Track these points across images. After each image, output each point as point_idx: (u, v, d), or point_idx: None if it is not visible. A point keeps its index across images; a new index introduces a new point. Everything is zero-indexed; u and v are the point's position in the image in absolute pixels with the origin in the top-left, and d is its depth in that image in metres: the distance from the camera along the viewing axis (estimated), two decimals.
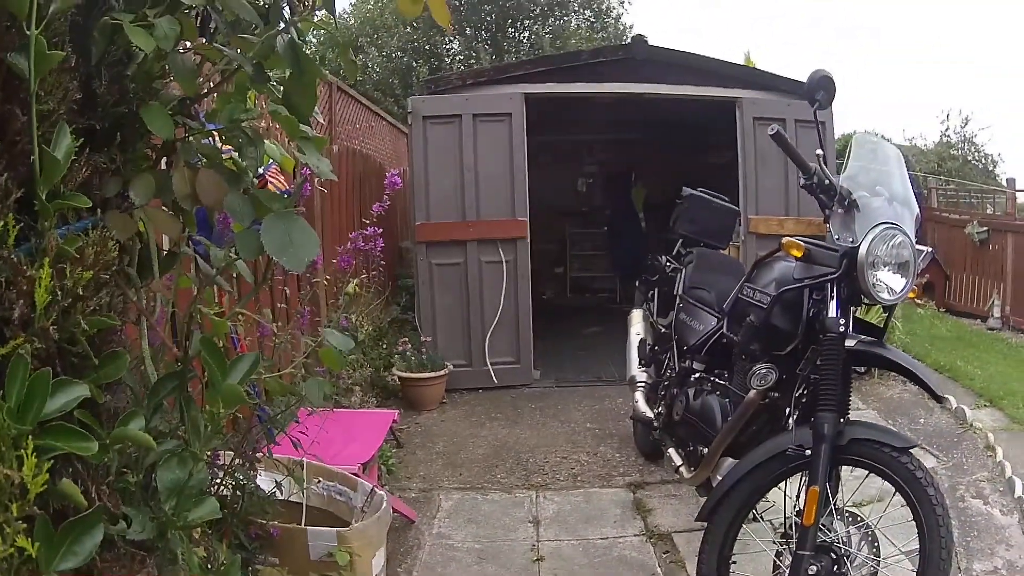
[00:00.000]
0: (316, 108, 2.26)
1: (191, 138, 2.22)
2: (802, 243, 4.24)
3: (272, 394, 2.96)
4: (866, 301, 4.08)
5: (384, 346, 8.84)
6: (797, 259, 4.26)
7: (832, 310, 3.98)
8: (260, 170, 3.81)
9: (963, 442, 7.50)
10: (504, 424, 8.00)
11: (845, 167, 4.25)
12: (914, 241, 3.99)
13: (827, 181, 4.08)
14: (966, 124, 23.78)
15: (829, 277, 4.07)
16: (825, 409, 3.86)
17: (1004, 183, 19.99)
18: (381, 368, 8.53)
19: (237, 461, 2.90)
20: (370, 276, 4.79)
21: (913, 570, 3.75)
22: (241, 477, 2.98)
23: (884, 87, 70.77)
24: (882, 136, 19.12)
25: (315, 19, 2.25)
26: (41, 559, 1.58)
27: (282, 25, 2.11)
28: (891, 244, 3.89)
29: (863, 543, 4.00)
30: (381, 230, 3.77)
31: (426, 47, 24.31)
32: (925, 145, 24.16)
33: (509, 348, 9.28)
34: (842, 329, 3.95)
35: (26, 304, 1.67)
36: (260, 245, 2.05)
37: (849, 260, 3.95)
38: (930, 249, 11.78)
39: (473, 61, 23.92)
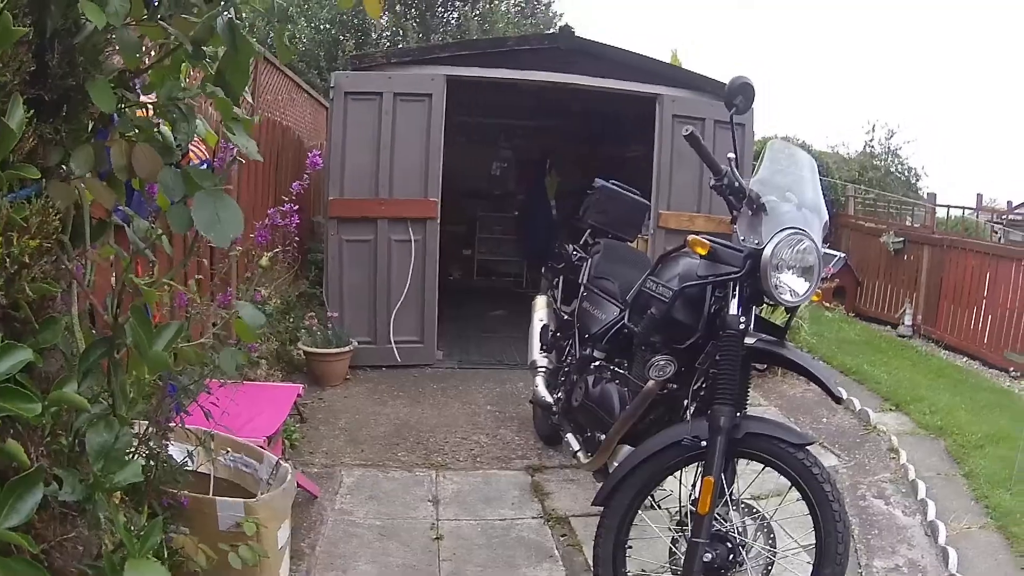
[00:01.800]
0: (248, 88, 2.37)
1: (127, 110, 2.31)
2: (707, 241, 4.36)
3: (187, 363, 3.04)
4: (768, 302, 4.23)
5: (291, 320, 8.88)
6: (702, 257, 4.39)
7: (733, 308, 4.14)
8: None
9: (866, 443, 7.78)
10: (406, 403, 8.09)
11: (757, 171, 4.40)
12: (820, 247, 4.14)
13: (737, 183, 4.24)
14: (891, 136, 24.09)
15: (732, 276, 4.21)
16: (722, 403, 4.02)
17: (925, 196, 20.39)
18: (288, 342, 8.56)
19: (151, 430, 3.00)
20: (284, 251, 4.86)
21: (811, 563, 3.92)
22: (155, 446, 3.07)
23: (814, 95, 71.85)
24: (803, 142, 19.46)
25: None
26: None
27: (223, 4, 2.20)
28: (796, 248, 4.03)
29: (759, 534, 4.19)
30: (298, 207, 3.86)
31: (354, 21, 24.09)
32: (848, 153, 24.47)
33: (414, 328, 9.35)
34: (742, 327, 4.12)
35: None
36: (190, 220, 2.16)
37: (753, 261, 4.10)
38: (843, 255, 11.94)
39: (400, 39, 23.86)
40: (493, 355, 9.88)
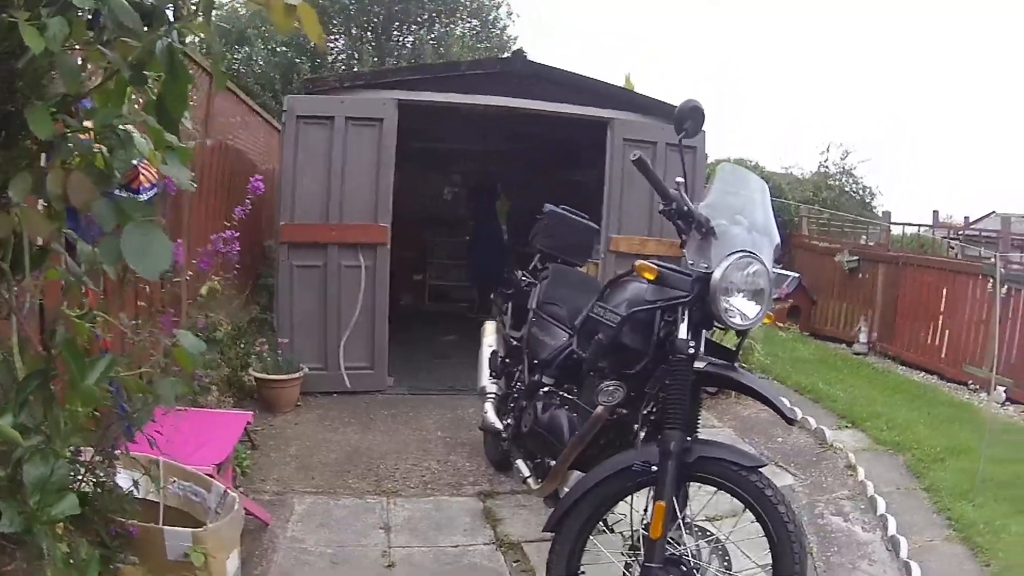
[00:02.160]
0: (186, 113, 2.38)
1: (68, 135, 2.30)
2: (655, 266, 4.39)
3: (130, 392, 3.05)
4: (718, 326, 4.23)
5: (242, 346, 8.81)
6: (650, 282, 4.41)
7: (683, 332, 4.13)
8: (134, 160, 3.90)
9: (823, 461, 7.84)
10: (357, 429, 8.09)
11: (707, 195, 4.43)
12: (771, 270, 4.17)
13: (686, 207, 4.23)
14: (846, 157, 24.40)
15: (681, 300, 4.22)
16: (672, 427, 4.02)
17: (880, 215, 20.69)
18: (239, 368, 8.51)
19: (97, 458, 2.99)
20: (227, 278, 4.87)
21: None
22: (101, 474, 3.07)
23: (769, 117, 72.59)
24: (756, 164, 19.65)
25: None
26: None
27: (163, 30, 2.21)
28: (746, 272, 4.06)
29: (713, 557, 4.22)
30: (238, 234, 3.87)
31: (310, 44, 24.06)
32: (802, 174, 24.70)
33: (364, 354, 9.34)
34: (691, 351, 4.11)
35: None
36: (120, 252, 2.15)
37: (702, 285, 4.11)
38: (796, 275, 12.05)
39: (356, 62, 23.90)
40: (444, 381, 9.86)
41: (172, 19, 2.25)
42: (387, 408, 8.90)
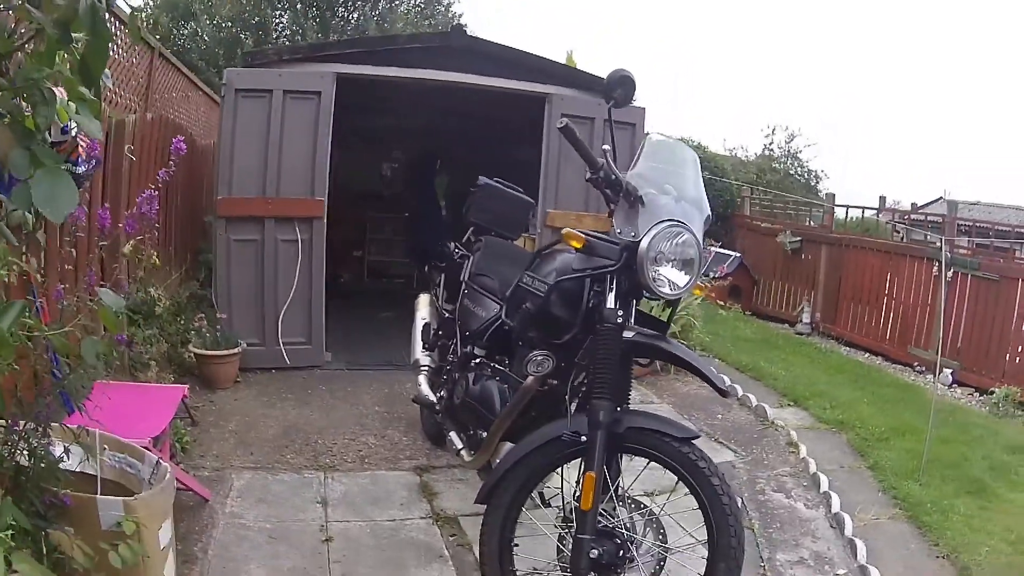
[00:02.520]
0: (108, 71, 2.42)
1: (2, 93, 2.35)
2: (582, 235, 4.41)
3: (60, 352, 3.08)
4: (647, 295, 4.25)
5: (182, 321, 8.81)
6: (578, 250, 4.44)
7: (610, 301, 4.16)
8: (73, 132, 3.96)
9: (764, 438, 7.99)
10: (295, 405, 8.13)
11: (635, 164, 4.44)
12: (701, 240, 4.19)
13: (613, 176, 4.27)
14: (791, 140, 24.61)
15: (608, 269, 4.23)
16: (600, 397, 4.07)
17: (824, 198, 20.91)
18: (179, 344, 8.52)
19: (31, 426, 3.03)
20: (148, 240, 4.87)
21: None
22: (35, 443, 3.11)
23: (717, 100, 73.04)
24: (698, 143, 19.79)
25: None
26: None
27: None
28: (674, 241, 4.08)
29: (648, 529, 4.24)
30: (157, 194, 3.90)
31: (254, 20, 24.10)
32: (746, 156, 24.86)
33: (302, 329, 9.38)
34: (619, 320, 4.14)
35: None
36: (30, 197, 2.22)
37: (629, 254, 4.13)
38: (738, 255, 12.33)
39: (299, 37, 23.84)
40: (382, 356, 9.91)
41: None
42: (325, 383, 8.95)
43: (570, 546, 4.09)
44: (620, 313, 4.16)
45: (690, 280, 4.18)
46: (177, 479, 5.05)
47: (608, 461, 4.10)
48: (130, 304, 6.92)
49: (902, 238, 16.70)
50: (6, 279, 2.89)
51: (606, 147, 4.30)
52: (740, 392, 9.37)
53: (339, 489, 6.25)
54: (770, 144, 24.48)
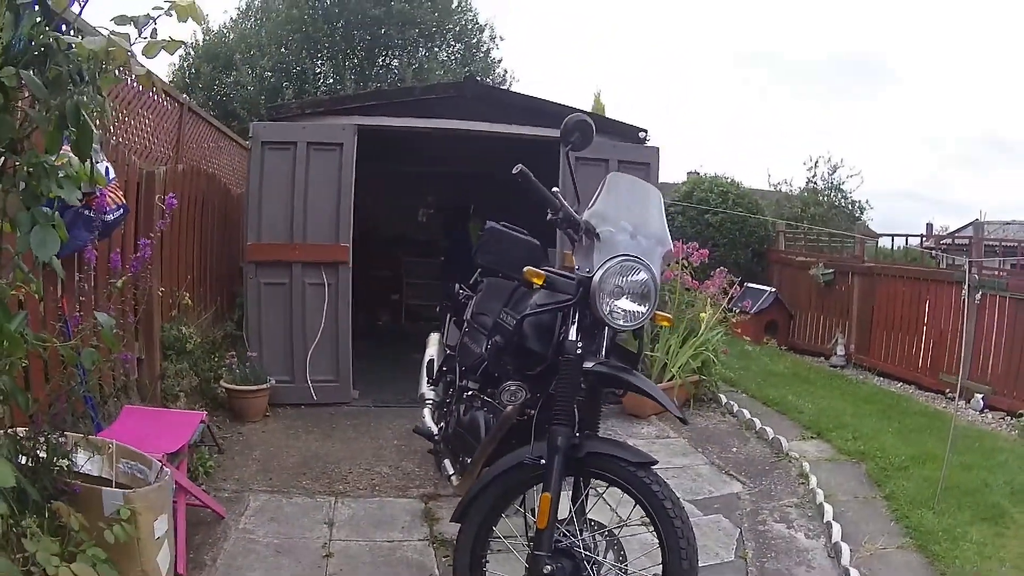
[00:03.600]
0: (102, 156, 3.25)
1: (17, 167, 3.16)
2: (542, 272, 4.67)
3: (70, 363, 3.99)
4: (612, 325, 4.48)
5: (215, 359, 9.49)
6: (540, 287, 4.72)
7: (572, 334, 4.46)
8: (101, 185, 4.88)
9: (775, 471, 8.19)
10: (318, 437, 8.73)
11: (593, 203, 4.71)
12: (657, 273, 4.49)
13: (572, 217, 4.59)
14: (834, 171, 24.51)
15: (566, 304, 4.59)
16: (559, 423, 4.34)
17: (865, 228, 20.99)
18: (212, 380, 9.18)
19: (46, 427, 3.92)
20: (135, 280, 5.68)
21: None
22: (52, 439, 4.00)
23: (760, 135, 72.92)
24: (732, 180, 20.02)
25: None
26: None
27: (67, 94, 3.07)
28: (628, 276, 4.40)
29: (609, 550, 4.54)
30: (150, 241, 4.74)
31: (295, 69, 24.97)
32: (790, 190, 24.86)
33: (329, 367, 10.02)
34: (579, 351, 4.43)
35: None
36: (28, 242, 3.03)
37: (585, 288, 4.45)
38: (772, 290, 12.65)
39: (339, 86, 24.60)
40: (408, 394, 10.04)
41: (83, 79, 3.09)
42: (350, 419, 9.54)
43: None
44: (580, 345, 4.45)
45: (645, 312, 4.46)
46: (195, 496, 5.88)
47: (576, 485, 4.50)
48: (162, 340, 7.76)
49: (937, 264, 16.68)
50: (21, 299, 3.75)
51: (556, 188, 4.62)
52: (759, 425, 9.57)
53: (346, 512, 6.73)
54: (813, 176, 24.46)
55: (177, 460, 5.82)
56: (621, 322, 4.46)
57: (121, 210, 5.89)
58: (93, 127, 3.12)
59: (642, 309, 4.47)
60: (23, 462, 3.83)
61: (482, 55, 28.75)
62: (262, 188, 9.66)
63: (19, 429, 3.99)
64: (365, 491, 7.31)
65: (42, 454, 3.98)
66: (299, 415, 9.58)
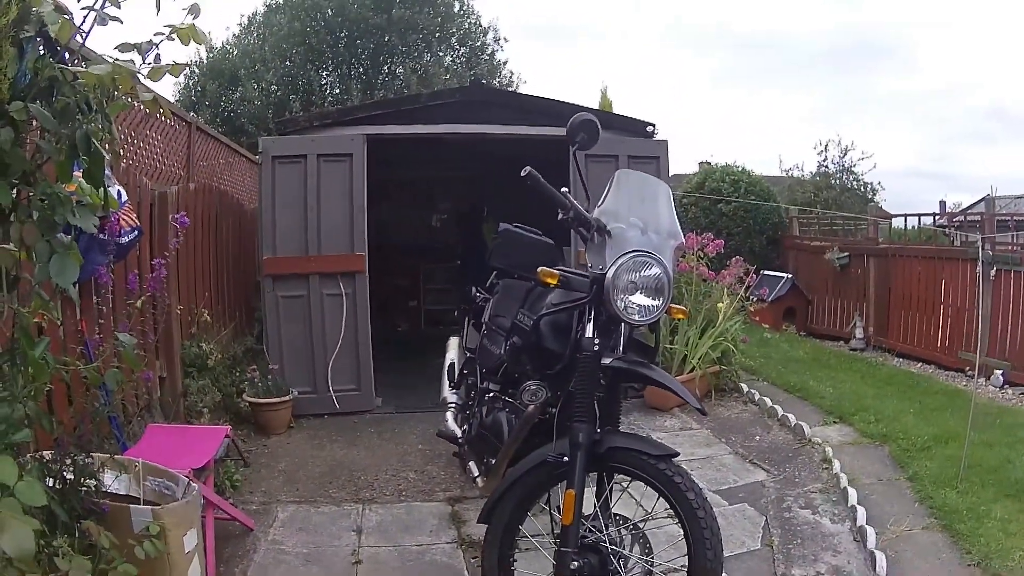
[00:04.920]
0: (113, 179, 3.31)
1: (31, 197, 3.22)
2: (556, 271, 4.74)
3: (93, 384, 4.07)
4: (625, 320, 4.49)
5: (237, 373, 9.59)
6: (554, 286, 4.80)
7: (588, 331, 4.47)
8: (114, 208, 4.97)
9: (799, 457, 8.21)
10: (343, 446, 8.81)
11: (603, 201, 4.75)
12: (671, 267, 4.52)
13: (583, 215, 4.63)
14: (845, 154, 24.30)
15: (581, 301, 4.62)
16: (579, 420, 4.35)
17: (878, 209, 20.85)
18: (234, 394, 9.25)
19: (73, 448, 4.00)
20: (152, 299, 5.77)
21: None
22: (79, 460, 4.08)
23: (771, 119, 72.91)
24: (742, 168, 19.98)
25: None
26: None
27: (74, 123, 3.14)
28: (640, 271, 4.40)
29: (635, 544, 4.53)
30: (165, 260, 4.82)
31: (301, 81, 25.06)
32: (802, 175, 24.73)
33: (351, 376, 10.11)
34: (596, 348, 4.45)
35: None
36: (48, 271, 3.10)
37: (598, 285, 4.46)
38: (789, 276, 12.61)
39: (345, 96, 24.77)
40: (430, 400, 10.06)
41: (91, 108, 3.16)
42: (373, 426, 9.62)
43: None
44: (597, 342, 4.46)
45: (659, 306, 4.47)
46: (224, 510, 5.94)
47: (599, 480, 4.51)
48: (182, 357, 7.84)
49: (952, 242, 16.46)
50: (46, 325, 3.83)
51: (565, 189, 4.66)
52: (780, 413, 9.58)
53: (374, 519, 6.79)
54: (824, 161, 24.34)
55: (204, 475, 5.88)
56: (636, 317, 4.47)
57: (135, 232, 5.96)
58: (104, 154, 3.18)
59: (656, 303, 4.48)
60: (51, 484, 3.88)
61: (487, 57, 28.85)
62: (275, 202, 9.76)
63: (45, 452, 4.06)
64: (392, 497, 7.36)
65: (69, 475, 4.05)
66: (323, 425, 9.64)
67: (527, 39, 66.05)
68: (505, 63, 29.46)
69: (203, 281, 9.42)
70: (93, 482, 4.16)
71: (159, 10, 3.26)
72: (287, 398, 9.26)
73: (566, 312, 4.86)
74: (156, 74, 3.31)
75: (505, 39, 29.79)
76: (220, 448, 6.40)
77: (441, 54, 27.13)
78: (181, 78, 24.81)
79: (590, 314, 4.56)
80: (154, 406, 7.13)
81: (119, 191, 5.58)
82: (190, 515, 4.61)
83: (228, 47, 27.23)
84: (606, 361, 4.50)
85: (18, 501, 2.67)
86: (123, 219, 5.62)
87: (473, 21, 28.94)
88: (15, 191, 3.07)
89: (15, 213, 3.12)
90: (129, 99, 3.33)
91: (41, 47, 3.11)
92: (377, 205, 10.22)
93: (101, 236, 4.96)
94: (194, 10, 3.33)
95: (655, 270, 4.45)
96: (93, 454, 4.32)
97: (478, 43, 28.81)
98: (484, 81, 11.93)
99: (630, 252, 4.45)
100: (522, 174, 4.63)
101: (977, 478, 7.21)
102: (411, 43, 26.27)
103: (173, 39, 3.28)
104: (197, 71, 25.27)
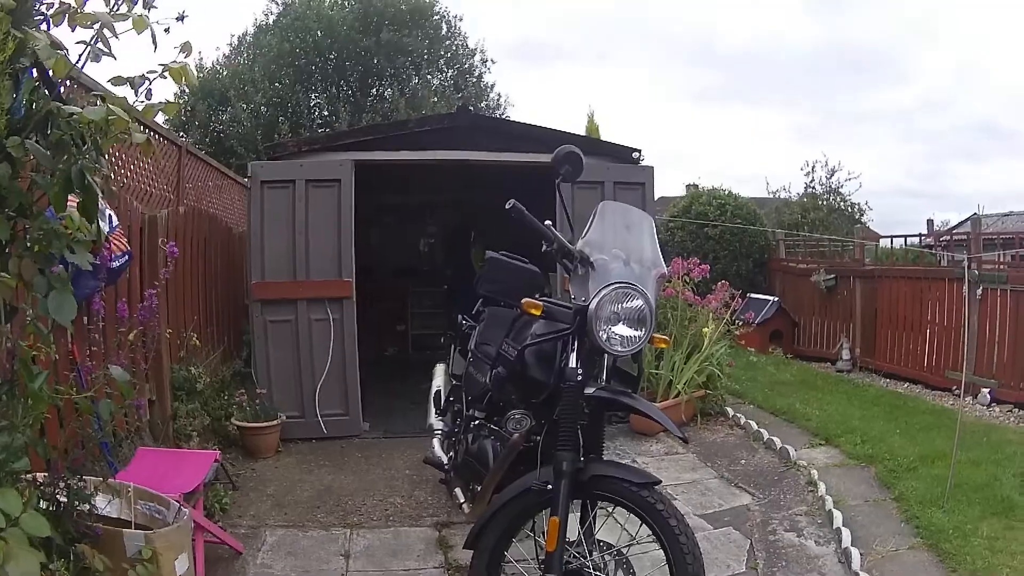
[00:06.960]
0: (112, 214, 3.40)
1: (28, 234, 3.30)
2: (540, 303, 4.89)
3: (86, 412, 4.17)
4: (608, 351, 4.56)
5: (225, 397, 9.61)
6: (538, 317, 4.93)
7: (572, 361, 4.57)
8: (106, 231, 5.03)
9: (784, 480, 8.26)
10: (331, 471, 8.86)
11: (586, 232, 4.85)
12: (654, 297, 4.61)
13: (566, 247, 4.72)
14: (832, 175, 24.39)
15: (564, 332, 4.72)
16: (563, 448, 4.45)
17: (864, 231, 20.96)
18: (223, 418, 9.28)
19: (67, 472, 4.09)
20: (145, 328, 5.85)
21: None
22: (72, 484, 4.15)
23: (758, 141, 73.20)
24: (729, 191, 20.04)
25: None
26: None
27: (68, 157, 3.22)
28: (622, 303, 4.48)
29: (618, 569, 4.60)
30: (156, 291, 4.90)
31: (290, 103, 25.17)
32: (789, 196, 24.77)
33: (339, 401, 10.18)
34: (580, 378, 4.53)
35: None
36: (47, 307, 3.19)
37: (582, 316, 4.53)
38: (775, 299, 12.64)
39: (334, 118, 24.83)
40: (417, 425, 10.05)
41: (84, 143, 3.24)
42: (361, 451, 9.67)
43: None
44: (580, 371, 4.54)
45: (641, 336, 4.54)
46: (213, 533, 6.00)
47: (583, 507, 4.59)
48: (172, 381, 7.90)
49: (938, 261, 16.65)
50: (43, 356, 3.92)
51: (548, 221, 4.78)
52: (766, 436, 9.65)
53: (362, 543, 6.83)
54: (811, 182, 24.38)
55: (193, 499, 5.92)
56: (619, 348, 4.54)
57: (126, 256, 6.03)
58: (98, 191, 3.27)
59: (639, 334, 4.56)
60: (45, 507, 3.95)
61: (475, 80, 29.00)
62: (263, 227, 9.83)
63: (38, 474, 4.13)
64: (379, 522, 7.40)
65: (62, 499, 4.12)
66: (311, 449, 9.69)
67: (514, 60, 66.24)
68: (492, 86, 29.70)
69: (192, 305, 9.45)
70: (86, 506, 4.23)
71: (156, 47, 3.34)
72: (275, 422, 9.32)
73: (550, 342, 4.93)
74: (149, 112, 3.42)
75: (492, 60, 29.94)
76: (210, 472, 6.43)
77: (429, 76, 27.20)
78: (170, 96, 24.81)
79: (574, 344, 4.64)
80: (144, 429, 7.15)
81: (110, 215, 5.64)
82: (181, 539, 4.71)
83: (218, 67, 27.23)
84: (589, 390, 4.56)
85: (23, 531, 2.75)
86: (114, 243, 5.69)
87: (460, 43, 29.16)
88: (12, 224, 3.14)
89: (12, 246, 3.20)
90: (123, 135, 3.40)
91: (36, 81, 3.21)
92: (366, 229, 10.28)
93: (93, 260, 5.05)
94: (186, 48, 3.43)
95: (637, 302, 4.52)
96: (86, 477, 4.40)
97: (466, 65, 29.01)
98: (472, 106, 11.95)
99: (613, 284, 4.53)
100: (507, 207, 4.71)
101: (964, 496, 7.29)
102: (399, 66, 26.40)
103: (166, 77, 3.37)
104: (187, 91, 25.31)
